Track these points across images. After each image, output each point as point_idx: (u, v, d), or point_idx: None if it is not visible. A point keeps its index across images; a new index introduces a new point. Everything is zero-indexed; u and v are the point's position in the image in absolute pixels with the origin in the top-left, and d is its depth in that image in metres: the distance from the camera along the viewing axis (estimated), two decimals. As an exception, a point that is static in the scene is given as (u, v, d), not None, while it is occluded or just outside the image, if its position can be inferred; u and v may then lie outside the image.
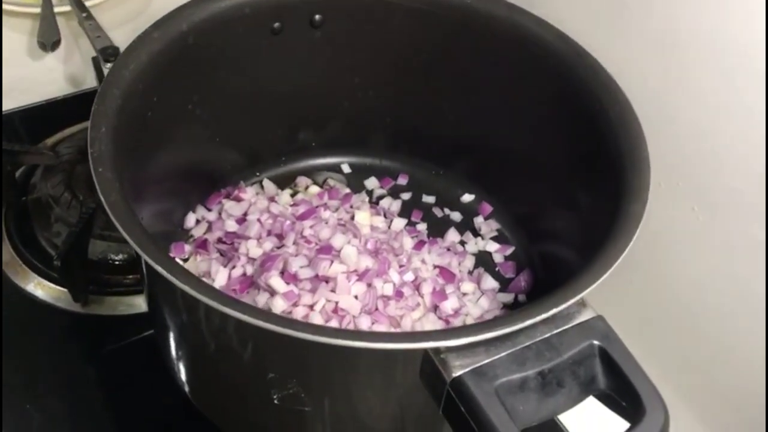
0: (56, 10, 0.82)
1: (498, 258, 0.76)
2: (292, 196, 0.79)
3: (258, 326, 0.44)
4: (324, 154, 0.83)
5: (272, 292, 0.64)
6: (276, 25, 0.69)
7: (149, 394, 0.70)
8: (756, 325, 0.62)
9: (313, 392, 0.53)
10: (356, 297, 0.65)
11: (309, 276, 0.65)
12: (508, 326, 0.46)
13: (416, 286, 0.69)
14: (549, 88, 0.67)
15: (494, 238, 0.78)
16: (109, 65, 0.72)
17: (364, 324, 0.64)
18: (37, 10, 0.82)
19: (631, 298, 0.73)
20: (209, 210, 0.76)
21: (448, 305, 0.68)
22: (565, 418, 0.71)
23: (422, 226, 0.78)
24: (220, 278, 0.67)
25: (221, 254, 0.71)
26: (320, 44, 0.72)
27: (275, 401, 0.53)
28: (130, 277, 0.76)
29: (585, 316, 0.49)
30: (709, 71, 0.59)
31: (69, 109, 0.91)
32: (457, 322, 0.68)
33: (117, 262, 0.76)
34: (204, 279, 0.66)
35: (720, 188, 0.62)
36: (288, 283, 0.65)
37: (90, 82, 0.92)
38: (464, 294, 0.71)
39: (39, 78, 0.90)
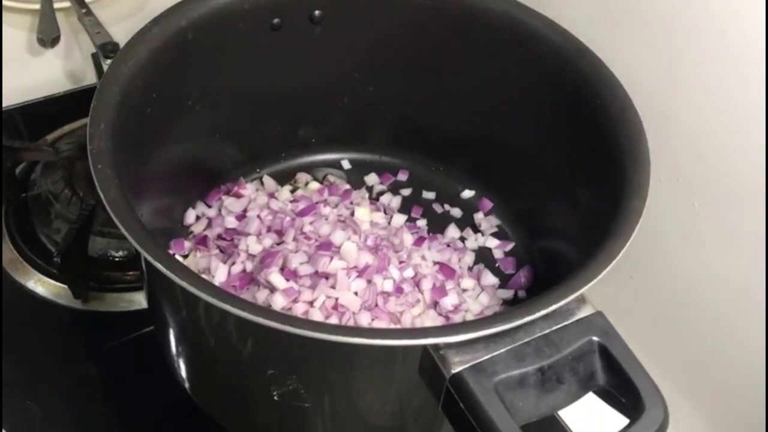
0: (56, 6, 0.82)
1: (498, 254, 0.76)
2: (292, 192, 0.79)
3: (258, 323, 0.44)
4: (324, 150, 0.83)
5: (272, 289, 0.64)
6: (276, 21, 0.68)
7: (149, 390, 0.70)
8: (756, 320, 0.62)
9: (313, 388, 0.53)
10: (356, 293, 0.65)
11: (309, 272, 0.65)
12: (507, 322, 0.46)
13: (416, 283, 0.69)
14: (549, 83, 0.66)
15: (494, 234, 0.77)
16: (108, 61, 0.72)
17: (364, 320, 0.64)
18: (37, 6, 0.82)
19: (630, 294, 0.73)
20: (209, 206, 0.76)
21: (448, 301, 0.68)
22: (564, 414, 0.71)
23: (422, 222, 0.78)
24: (219, 275, 0.67)
25: (221, 251, 0.71)
26: (320, 40, 0.71)
27: (275, 397, 0.53)
28: (131, 273, 0.76)
29: (585, 312, 0.48)
30: (710, 67, 0.59)
31: (69, 105, 0.91)
32: (457, 318, 0.68)
33: (117, 259, 0.76)
34: (204, 275, 0.66)
35: (720, 184, 0.62)
36: (288, 280, 0.65)
37: (90, 78, 0.92)
38: (464, 290, 0.71)
39: (39, 74, 0.90)
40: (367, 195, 0.79)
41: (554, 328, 0.47)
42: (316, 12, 0.70)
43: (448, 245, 0.75)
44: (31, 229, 0.79)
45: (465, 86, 0.74)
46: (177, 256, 0.69)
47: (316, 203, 0.75)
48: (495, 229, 0.78)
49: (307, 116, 0.79)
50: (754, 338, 0.63)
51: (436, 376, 0.46)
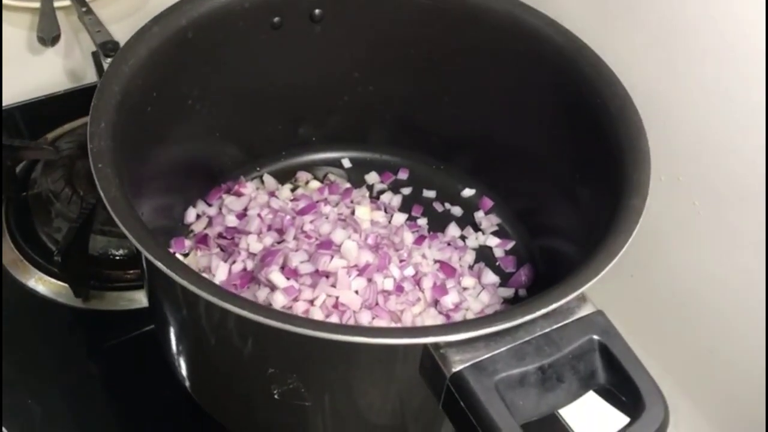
0: (56, 5, 0.82)
1: (498, 253, 0.76)
2: (293, 191, 0.79)
3: (258, 322, 0.44)
4: (324, 149, 0.83)
5: (272, 288, 0.64)
6: (276, 19, 0.68)
7: (150, 389, 0.70)
8: (756, 319, 0.62)
9: (314, 387, 0.53)
10: (357, 292, 0.65)
11: (309, 271, 0.65)
12: (507, 321, 0.46)
13: (417, 281, 0.69)
14: (549, 82, 0.66)
15: (495, 233, 0.77)
16: (109, 60, 0.72)
17: (365, 319, 0.64)
18: (37, 5, 0.82)
19: (631, 293, 0.73)
20: (209, 205, 0.76)
21: (449, 300, 0.68)
22: (565, 412, 0.71)
23: (423, 221, 0.78)
24: (220, 273, 0.67)
25: (221, 249, 0.71)
26: (320, 39, 0.71)
27: (275, 396, 0.53)
28: (131, 272, 0.76)
29: (585, 310, 0.48)
30: (710, 65, 0.59)
31: (69, 104, 0.91)
32: (457, 317, 0.68)
33: (118, 258, 0.76)
34: (204, 274, 0.66)
35: (721, 182, 0.62)
36: (288, 278, 0.65)
37: (90, 76, 0.92)
38: (465, 289, 0.71)
39: (39, 73, 0.90)
40: (367, 194, 0.79)
41: (555, 326, 0.47)
42: (317, 11, 0.70)
43: (449, 244, 0.75)
44: (31, 227, 0.79)
45: (465, 85, 0.74)
46: (177, 255, 0.69)
47: (317, 202, 0.75)
48: (495, 228, 0.78)
49: (307, 115, 0.79)
50: (754, 336, 0.63)
51: (436, 374, 0.46)
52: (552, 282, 0.49)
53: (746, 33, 0.56)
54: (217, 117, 0.71)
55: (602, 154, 0.59)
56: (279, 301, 0.63)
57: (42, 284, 0.76)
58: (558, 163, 0.68)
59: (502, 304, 0.71)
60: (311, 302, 0.64)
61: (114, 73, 0.58)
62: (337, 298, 0.64)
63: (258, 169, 0.80)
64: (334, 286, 0.65)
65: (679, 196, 0.65)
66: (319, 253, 0.66)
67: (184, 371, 0.63)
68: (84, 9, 0.82)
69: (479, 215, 0.79)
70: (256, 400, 0.59)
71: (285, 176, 0.80)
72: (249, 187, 0.77)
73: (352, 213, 0.74)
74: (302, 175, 0.81)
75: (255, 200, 0.75)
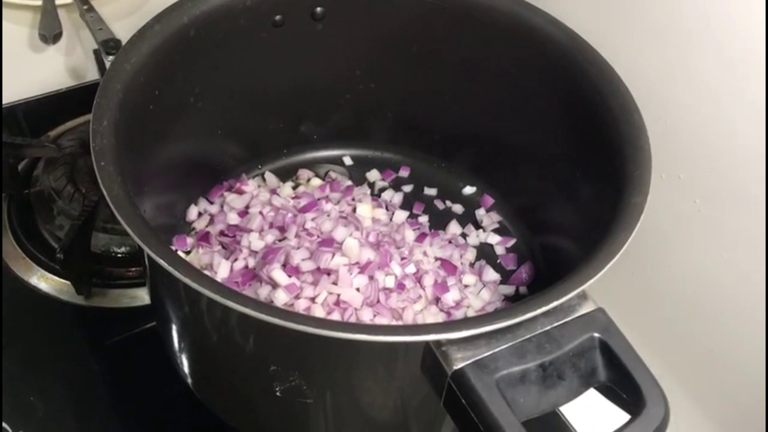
0: (57, 2, 0.82)
1: (499, 250, 0.76)
2: (294, 188, 0.79)
3: (260, 319, 0.44)
4: (325, 147, 0.83)
5: (274, 285, 0.64)
6: (277, 17, 0.68)
7: (152, 385, 0.70)
8: (757, 317, 0.62)
9: (315, 385, 0.53)
10: (358, 289, 0.65)
11: (311, 268, 0.65)
12: (509, 319, 0.46)
13: (418, 279, 0.69)
14: (551, 80, 0.66)
15: (496, 231, 0.78)
16: (110, 58, 0.72)
17: (366, 316, 0.64)
18: (39, 2, 0.82)
19: (632, 291, 0.73)
20: (211, 203, 0.76)
21: (450, 297, 0.68)
22: (566, 410, 0.72)
23: (424, 219, 0.78)
24: (222, 271, 0.67)
25: (223, 247, 0.72)
26: (322, 37, 0.71)
27: (277, 393, 0.53)
28: (133, 269, 0.76)
29: (586, 308, 0.49)
30: (711, 63, 0.59)
31: (71, 101, 0.91)
32: (458, 314, 0.68)
33: (119, 255, 0.76)
34: (206, 272, 0.66)
35: (722, 180, 0.62)
36: (290, 276, 0.65)
37: (92, 74, 0.92)
38: (466, 286, 0.71)
39: (41, 71, 0.90)
40: (368, 191, 0.79)
41: (555, 324, 0.47)
42: (318, 9, 0.70)
43: (450, 241, 0.75)
44: (33, 225, 0.80)
45: (467, 83, 0.74)
46: (179, 253, 0.69)
47: (318, 200, 0.75)
48: (496, 226, 0.78)
49: (308, 113, 0.79)
50: (754, 334, 0.63)
51: (437, 372, 0.46)
52: (552, 279, 0.49)
53: (747, 32, 0.56)
54: (218, 115, 0.71)
55: (603, 151, 0.59)
56: (281, 298, 0.63)
57: (44, 281, 0.76)
58: (559, 161, 0.68)
59: (503, 301, 0.71)
60: (313, 300, 0.64)
61: (116, 71, 0.58)
62: (338, 295, 0.64)
63: (259, 166, 0.81)
64: (335, 283, 0.65)
65: (679, 194, 0.65)
66: (320, 250, 0.66)
67: (186, 368, 0.63)
68: (85, 7, 0.81)
69: (480, 213, 0.79)
70: (258, 398, 0.59)
71: (286, 174, 0.81)
72: (251, 185, 0.77)
73: (354, 211, 0.74)
74: (304, 173, 0.81)
75: (256, 198, 0.76)
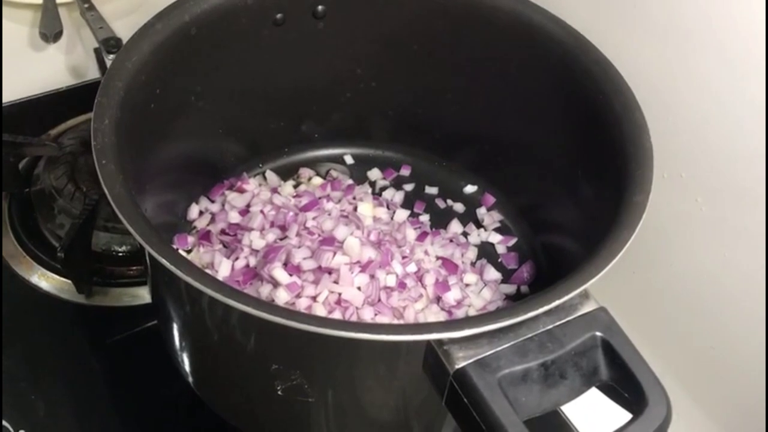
0: (58, 1, 0.82)
1: (501, 249, 0.76)
2: (295, 187, 0.79)
3: (261, 318, 0.44)
4: (327, 146, 0.83)
5: (275, 284, 0.64)
6: (278, 16, 0.68)
7: (153, 384, 0.70)
8: (758, 316, 0.62)
9: (317, 383, 0.53)
10: (359, 288, 0.65)
11: (312, 267, 0.65)
12: (511, 318, 0.46)
13: (419, 278, 0.69)
14: (553, 78, 0.66)
15: (497, 229, 0.78)
16: (111, 56, 0.73)
17: (367, 315, 0.64)
18: (39, 1, 0.82)
19: (633, 290, 0.73)
20: (212, 201, 0.76)
21: (451, 296, 0.68)
22: (567, 409, 0.72)
23: (425, 218, 0.78)
24: (223, 270, 0.67)
25: (224, 246, 0.71)
26: (323, 35, 0.71)
27: (279, 392, 0.53)
28: (134, 268, 0.76)
29: (588, 307, 0.49)
30: (713, 62, 0.59)
31: (71, 100, 0.91)
32: (459, 313, 0.68)
33: (120, 254, 0.76)
34: (207, 270, 0.66)
35: (724, 179, 0.62)
36: (291, 275, 0.65)
37: (92, 73, 0.92)
38: (467, 285, 0.71)
39: (41, 69, 0.90)
40: (369, 190, 0.79)
41: (557, 323, 0.47)
42: (319, 7, 0.70)
43: (451, 240, 0.75)
44: (34, 224, 0.80)
45: (468, 81, 0.74)
46: (180, 252, 0.69)
47: (319, 198, 0.75)
48: (498, 225, 0.78)
49: (309, 111, 0.79)
50: (756, 334, 0.63)
51: (439, 371, 0.46)
52: (554, 279, 0.49)
53: (748, 32, 0.56)
54: (219, 113, 0.71)
55: (605, 150, 0.59)
56: (282, 297, 0.63)
57: (45, 280, 0.76)
58: (561, 160, 0.68)
59: (504, 300, 0.71)
60: (314, 299, 0.64)
61: (117, 69, 0.58)
62: (339, 294, 0.64)
63: (260, 165, 0.81)
64: (336, 282, 0.65)
65: (681, 193, 0.65)
66: (321, 249, 0.66)
67: (187, 367, 0.63)
68: (86, 5, 0.82)
69: (481, 212, 0.79)
70: (260, 396, 0.59)
71: (287, 173, 0.80)
72: (251, 184, 0.77)
73: (355, 209, 0.74)
74: (305, 172, 0.81)
75: (257, 197, 0.75)
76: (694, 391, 0.70)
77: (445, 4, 0.69)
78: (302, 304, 0.64)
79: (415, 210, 0.78)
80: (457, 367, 0.45)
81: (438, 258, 0.72)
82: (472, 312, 0.69)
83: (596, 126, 0.61)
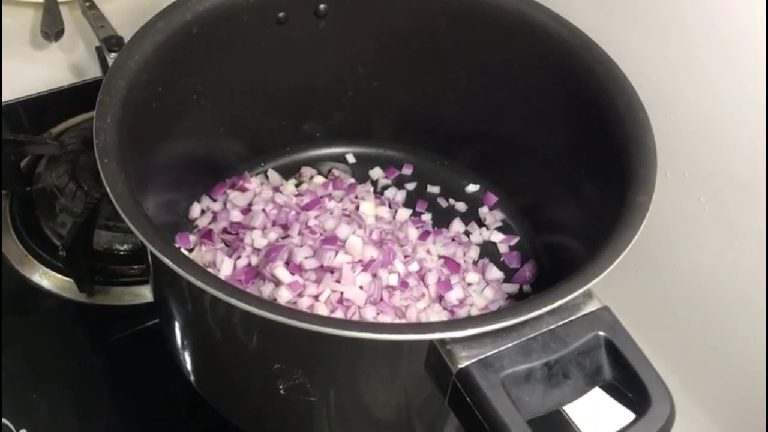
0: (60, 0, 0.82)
1: (503, 248, 0.76)
2: (297, 186, 0.79)
3: (263, 317, 0.44)
4: (328, 144, 0.82)
5: (277, 283, 0.64)
6: (281, 14, 0.68)
7: (154, 383, 0.70)
8: (761, 316, 0.62)
9: (319, 383, 0.53)
10: (361, 287, 0.65)
11: (314, 266, 0.65)
12: (514, 317, 0.46)
13: (421, 277, 0.69)
14: (555, 77, 0.66)
15: (499, 229, 0.77)
16: (113, 55, 0.72)
17: (369, 314, 0.64)
18: (41, 0, 0.82)
19: (637, 289, 0.73)
20: (214, 200, 0.76)
21: (453, 295, 0.68)
22: (570, 409, 0.71)
23: (427, 217, 0.78)
24: (225, 268, 0.67)
25: (226, 244, 0.71)
26: (325, 34, 0.71)
27: (281, 391, 0.53)
28: (136, 267, 0.76)
29: (591, 307, 0.48)
30: (715, 61, 0.59)
31: (73, 98, 0.91)
32: (462, 313, 0.68)
33: (122, 253, 0.76)
34: (209, 269, 0.66)
35: (726, 179, 0.62)
36: (293, 274, 0.65)
37: (94, 71, 0.92)
38: (469, 284, 0.71)
39: (43, 68, 0.90)
40: (371, 189, 0.79)
41: (561, 323, 0.47)
42: (321, 6, 0.70)
43: (453, 239, 0.75)
44: (36, 222, 0.80)
45: (470, 80, 0.73)
46: (182, 250, 0.69)
47: (321, 197, 0.75)
48: (500, 224, 0.78)
49: (311, 110, 0.79)
50: (759, 333, 0.63)
51: (442, 370, 0.46)
52: (556, 278, 0.49)
53: (751, 30, 0.55)
54: (221, 112, 0.71)
55: (608, 150, 0.59)
56: (284, 296, 0.63)
57: (46, 279, 0.76)
58: (563, 159, 0.68)
59: (506, 299, 0.71)
60: (316, 297, 0.64)
61: (119, 68, 0.58)
62: (341, 293, 0.64)
63: (262, 164, 0.80)
64: (338, 281, 0.65)
65: (684, 192, 0.65)
66: (323, 248, 0.66)
67: (189, 366, 0.63)
68: (87, 4, 0.81)
69: (483, 211, 0.79)
70: (262, 396, 0.59)
71: (289, 171, 0.80)
72: (253, 183, 0.77)
73: (357, 208, 0.74)
74: (306, 171, 0.81)
75: (259, 195, 0.75)
76: (697, 391, 0.70)
77: (447, 3, 0.69)
78: (304, 304, 0.63)
79: (417, 209, 0.78)
80: (460, 366, 0.45)
81: (440, 257, 0.72)
82: (474, 311, 0.69)
83: (599, 125, 0.61)
